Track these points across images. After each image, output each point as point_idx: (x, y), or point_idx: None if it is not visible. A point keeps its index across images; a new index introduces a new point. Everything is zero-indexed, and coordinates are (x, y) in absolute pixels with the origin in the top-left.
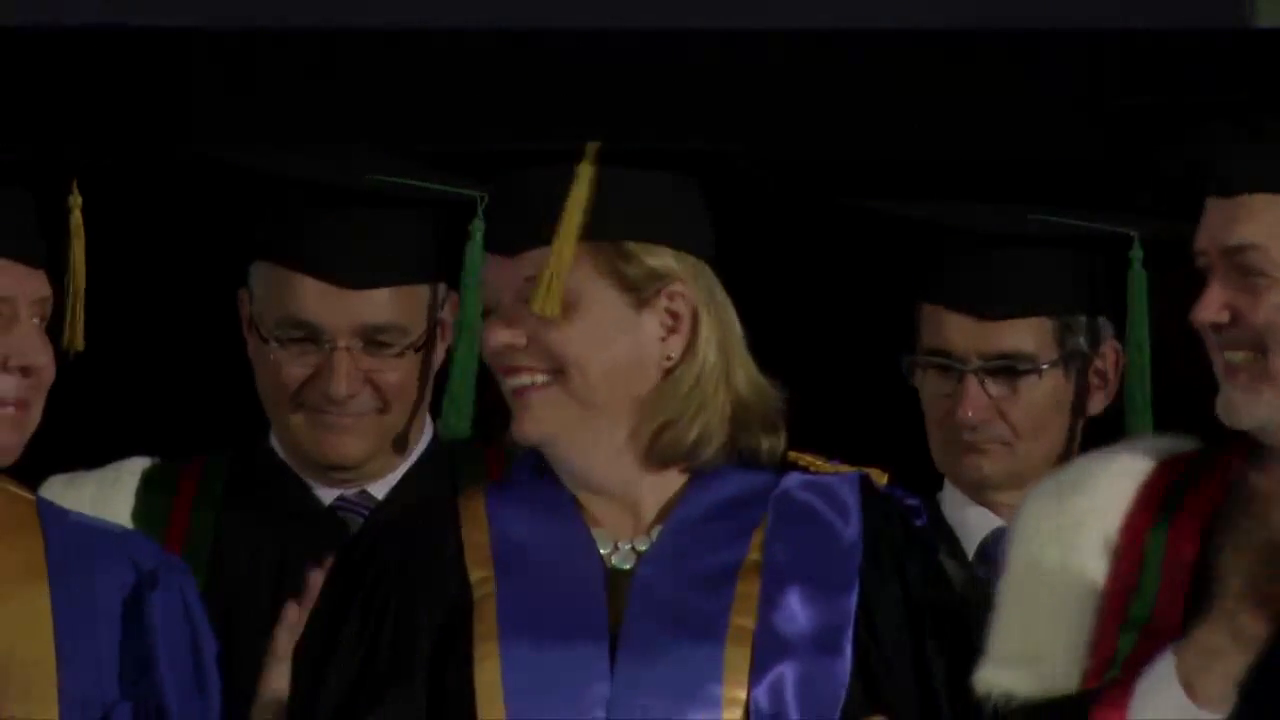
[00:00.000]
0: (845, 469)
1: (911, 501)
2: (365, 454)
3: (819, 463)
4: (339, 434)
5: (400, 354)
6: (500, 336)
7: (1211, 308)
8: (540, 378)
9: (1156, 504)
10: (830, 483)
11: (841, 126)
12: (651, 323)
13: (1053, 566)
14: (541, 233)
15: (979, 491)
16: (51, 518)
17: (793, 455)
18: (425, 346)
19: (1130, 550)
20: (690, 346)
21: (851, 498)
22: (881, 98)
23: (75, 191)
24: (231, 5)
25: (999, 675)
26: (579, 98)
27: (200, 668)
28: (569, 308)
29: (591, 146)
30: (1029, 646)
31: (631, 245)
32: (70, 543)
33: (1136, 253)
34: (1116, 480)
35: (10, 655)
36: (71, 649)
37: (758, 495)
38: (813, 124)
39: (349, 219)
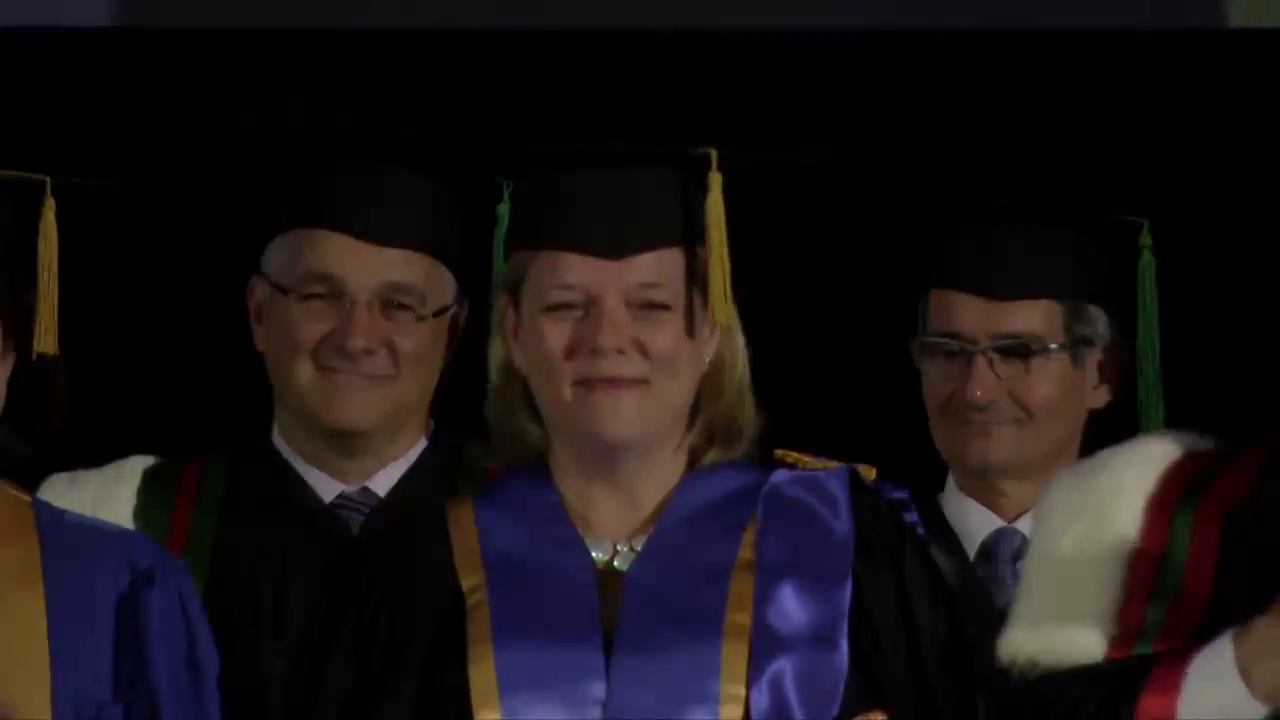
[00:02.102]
0: (833, 464)
1: (899, 495)
2: (372, 419)
3: (806, 459)
4: (349, 393)
5: (418, 319)
6: (610, 341)
7: None
8: (631, 385)
9: (1182, 487)
10: (819, 477)
11: (842, 127)
12: (705, 329)
13: (1079, 537)
14: (656, 237)
15: (985, 478)
16: (48, 519)
17: (780, 453)
18: (440, 324)
19: (1157, 525)
20: (723, 354)
21: (840, 491)
22: (882, 98)
23: (49, 195)
24: (240, 5)
25: (1023, 641)
26: (577, 98)
27: (197, 668)
28: (673, 312)
29: (712, 152)
30: (1054, 614)
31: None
32: (66, 543)
33: (1146, 239)
34: (1141, 464)
35: (4, 656)
36: (65, 650)
37: (748, 492)
38: (813, 124)
39: (376, 175)
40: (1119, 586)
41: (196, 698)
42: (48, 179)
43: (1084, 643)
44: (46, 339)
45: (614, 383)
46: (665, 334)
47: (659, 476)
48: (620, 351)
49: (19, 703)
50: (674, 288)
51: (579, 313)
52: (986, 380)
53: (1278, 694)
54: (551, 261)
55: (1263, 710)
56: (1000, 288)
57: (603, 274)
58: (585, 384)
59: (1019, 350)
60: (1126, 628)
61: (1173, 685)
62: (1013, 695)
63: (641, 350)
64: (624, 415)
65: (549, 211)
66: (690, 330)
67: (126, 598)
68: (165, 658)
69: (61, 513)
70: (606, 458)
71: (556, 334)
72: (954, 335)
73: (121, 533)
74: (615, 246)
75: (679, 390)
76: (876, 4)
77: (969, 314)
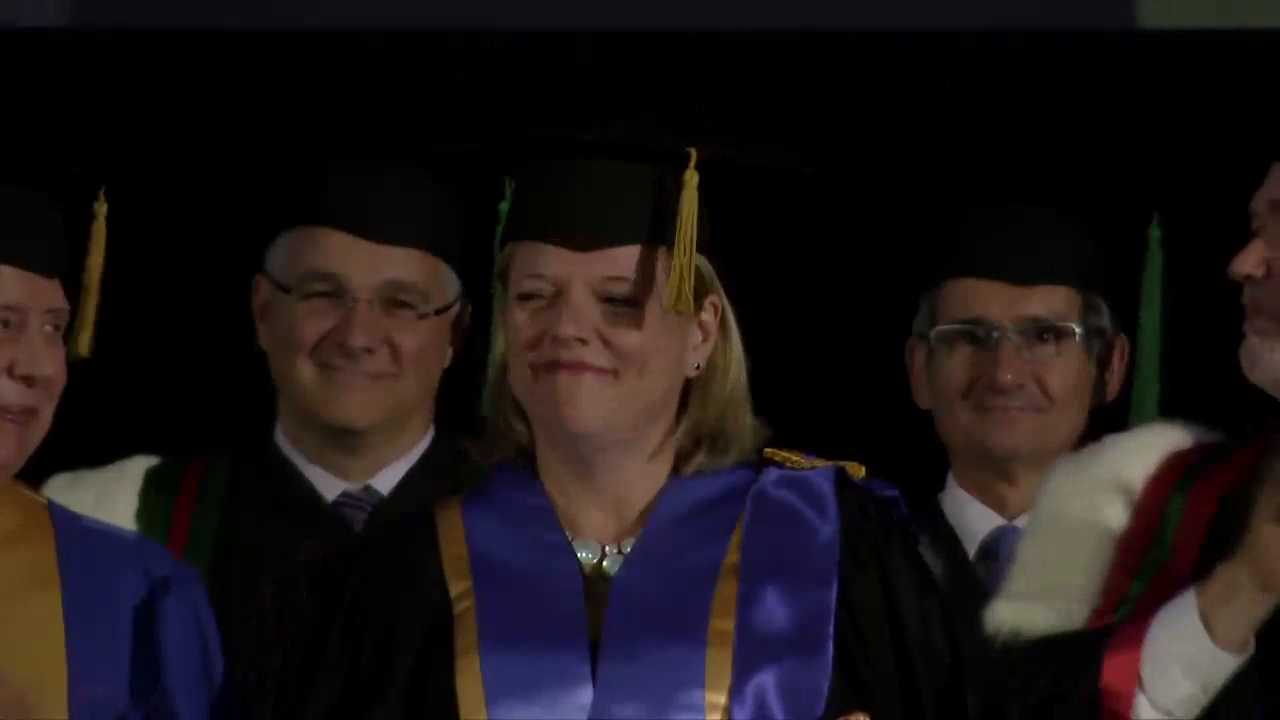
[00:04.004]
0: (821, 463)
1: (889, 493)
2: (373, 417)
3: (795, 458)
4: (350, 391)
5: (420, 317)
6: (570, 329)
7: (1249, 261)
8: (597, 374)
9: (1179, 473)
10: (807, 477)
11: (841, 127)
12: (690, 331)
13: (1074, 515)
14: (626, 232)
15: (1003, 467)
16: (64, 522)
17: (769, 451)
18: (442, 322)
19: (1151, 507)
20: (716, 360)
21: (828, 491)
22: (881, 98)
23: (102, 199)
24: (241, 6)
25: (1010, 612)
26: (578, 98)
27: (211, 678)
28: (643, 310)
29: (694, 151)
30: (1043, 585)
31: (697, 254)
32: (83, 548)
33: (1155, 231)
34: (1141, 450)
35: (22, 658)
36: (83, 655)
37: (735, 493)
38: (813, 124)
39: (377, 173)
40: (1108, 561)
41: (211, 707)
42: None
43: (1067, 613)
44: (83, 341)
45: (574, 367)
46: (630, 329)
47: (641, 479)
48: (582, 341)
49: (38, 707)
50: (645, 285)
51: (546, 302)
52: (1014, 364)
53: (1238, 640)
54: (527, 252)
55: (1226, 659)
56: (1023, 271)
57: (571, 265)
58: (547, 368)
59: (1044, 334)
60: (1110, 599)
61: (1137, 639)
62: (993, 663)
63: (606, 342)
64: (583, 401)
65: (529, 204)
66: (666, 330)
67: (143, 606)
68: (181, 667)
69: (78, 517)
70: (576, 451)
71: (523, 322)
72: (978, 321)
73: (138, 540)
74: (584, 238)
75: (648, 388)
76: (877, 4)
77: (993, 299)
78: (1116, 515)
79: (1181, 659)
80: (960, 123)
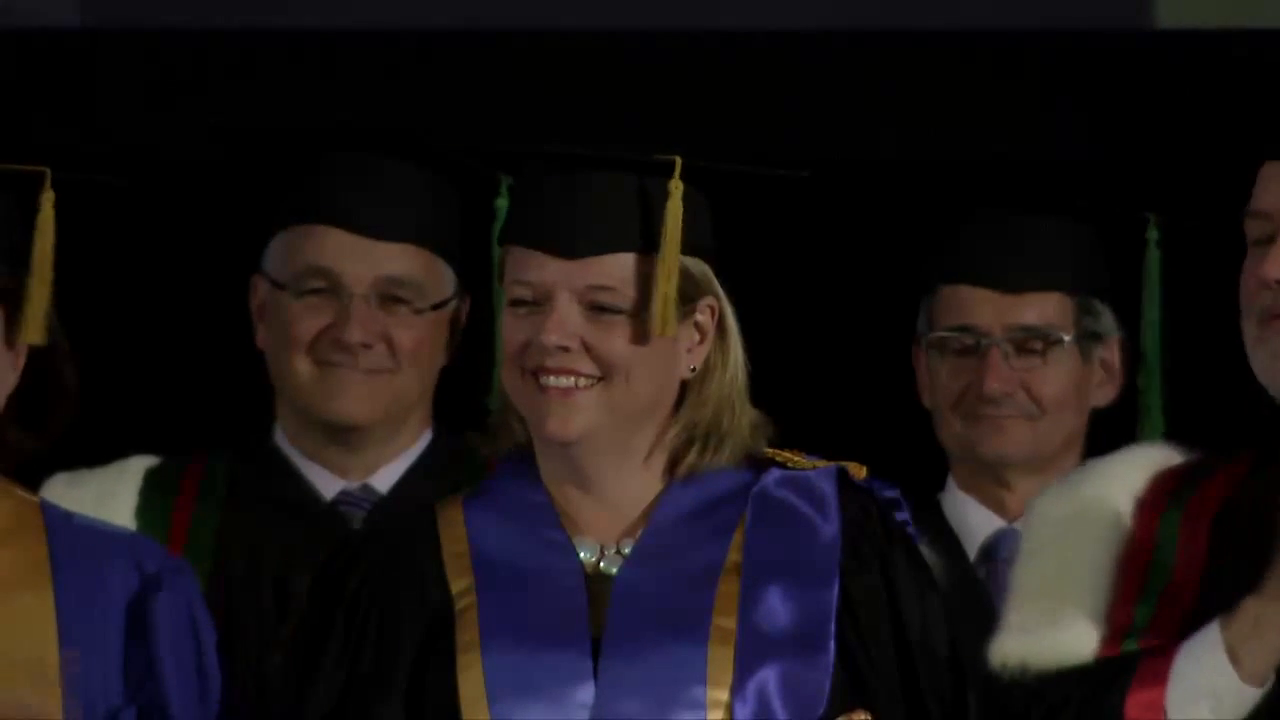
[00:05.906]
0: (822, 463)
1: (890, 494)
2: (371, 413)
3: (796, 458)
4: (347, 387)
5: (416, 313)
6: (553, 338)
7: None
8: (583, 380)
9: (1169, 491)
10: (808, 477)
11: (841, 127)
12: (684, 335)
13: (1069, 542)
14: (613, 241)
15: (996, 472)
16: (56, 520)
17: (770, 452)
18: (440, 318)
19: (1145, 527)
20: (712, 361)
21: (829, 491)
22: (881, 98)
23: (48, 188)
24: (236, 5)
25: (1014, 644)
26: (578, 96)
27: (204, 673)
28: (627, 317)
29: (679, 161)
30: (1043, 614)
31: (685, 259)
32: (74, 545)
33: (1153, 233)
34: (1129, 470)
35: (14, 657)
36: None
37: (737, 494)
38: (813, 124)
39: (372, 170)
40: (1108, 588)
41: (205, 703)
42: (48, 170)
43: (1074, 644)
44: (32, 331)
45: (558, 373)
46: (615, 338)
47: (635, 480)
48: (564, 349)
49: (30, 704)
50: (630, 293)
51: (533, 308)
52: (1002, 373)
53: (1264, 674)
54: (517, 258)
55: (1250, 692)
56: (1013, 280)
57: (556, 272)
58: (534, 375)
59: (1033, 343)
60: (1115, 626)
61: (1162, 674)
62: (1002, 696)
63: (590, 350)
64: (566, 411)
65: (520, 210)
66: (653, 337)
67: (135, 601)
68: (174, 663)
69: (70, 515)
70: (567, 455)
71: (512, 328)
72: (968, 329)
73: (129, 536)
74: (570, 246)
75: (635, 394)
76: (877, 4)
77: (983, 307)
78: (1108, 537)
79: (1209, 694)
80: (960, 123)
